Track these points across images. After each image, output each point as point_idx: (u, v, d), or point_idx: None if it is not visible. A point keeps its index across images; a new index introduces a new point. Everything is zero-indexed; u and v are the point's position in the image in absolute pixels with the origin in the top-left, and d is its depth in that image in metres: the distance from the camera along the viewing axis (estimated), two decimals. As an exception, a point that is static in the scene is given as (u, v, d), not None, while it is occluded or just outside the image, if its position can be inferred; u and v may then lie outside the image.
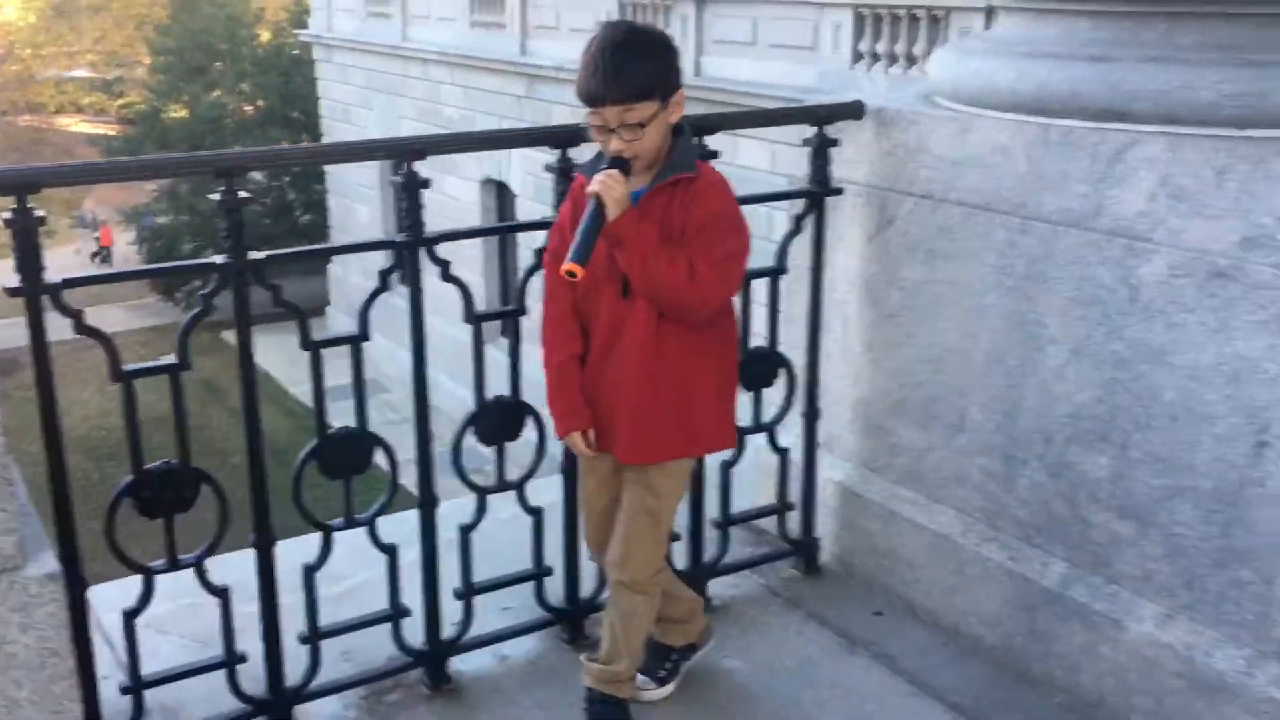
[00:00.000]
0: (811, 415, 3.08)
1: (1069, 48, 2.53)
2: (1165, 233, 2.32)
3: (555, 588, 2.83)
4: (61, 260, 27.01)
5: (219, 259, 2.21)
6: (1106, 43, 2.48)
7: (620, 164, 2.22)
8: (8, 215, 2.00)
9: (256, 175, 27.33)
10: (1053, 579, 2.63)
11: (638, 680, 2.56)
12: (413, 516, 2.61)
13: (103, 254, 31.44)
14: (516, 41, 17.82)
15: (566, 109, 15.07)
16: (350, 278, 21.98)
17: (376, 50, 21.49)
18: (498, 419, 2.63)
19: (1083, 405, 2.52)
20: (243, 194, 2.16)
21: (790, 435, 3.12)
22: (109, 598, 2.49)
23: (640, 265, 2.22)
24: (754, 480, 3.29)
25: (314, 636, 2.50)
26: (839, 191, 2.95)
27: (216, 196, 2.15)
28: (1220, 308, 2.25)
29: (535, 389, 2.48)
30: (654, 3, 15.31)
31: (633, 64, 2.20)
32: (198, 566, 2.34)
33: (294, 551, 2.49)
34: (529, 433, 2.70)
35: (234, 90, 29.49)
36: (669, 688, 2.62)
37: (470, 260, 17.00)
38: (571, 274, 2.14)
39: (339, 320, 22.06)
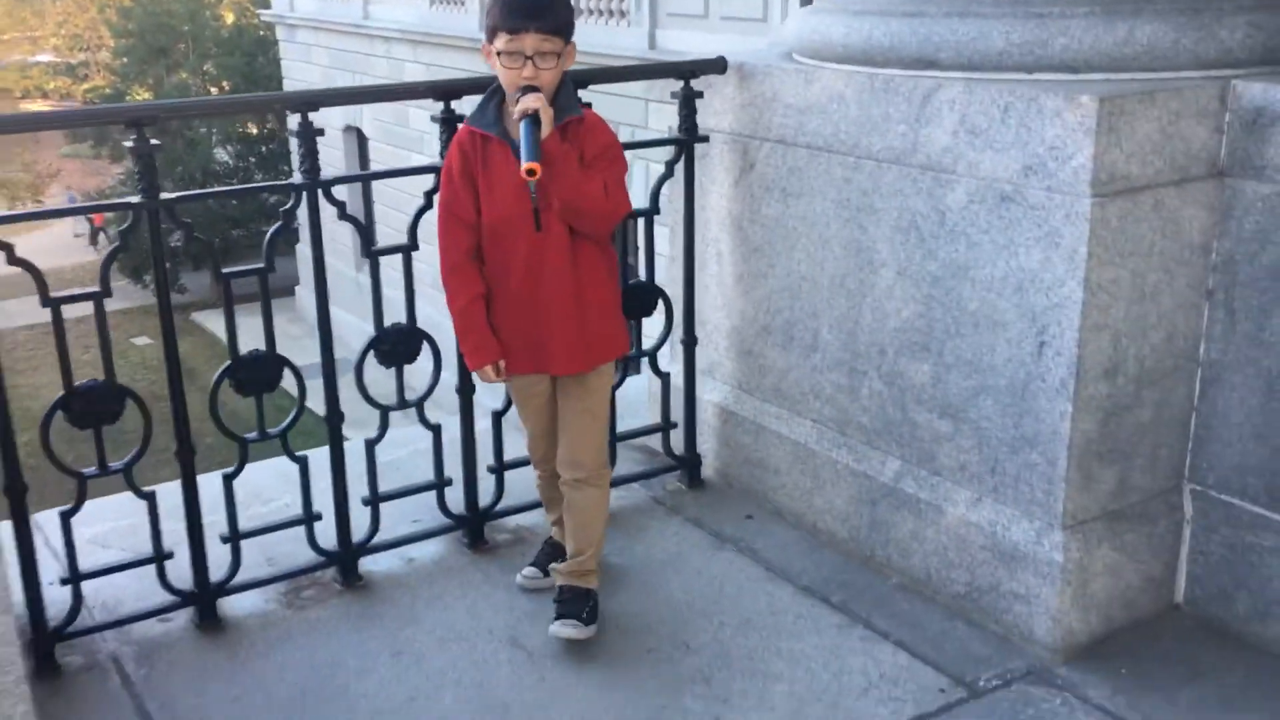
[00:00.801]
0: (690, 343, 3.42)
1: (889, 5, 2.88)
2: (965, 165, 2.67)
3: (456, 498, 3.16)
4: (61, 240, 27.27)
5: (135, 199, 2.53)
6: (920, 1, 2.82)
7: (533, 91, 2.53)
8: (134, 139, 2.35)
9: (222, 156, 27.48)
10: (889, 475, 2.99)
11: (569, 625, 2.69)
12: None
13: (96, 233, 31.56)
14: (476, 18, 18.04)
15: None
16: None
17: (339, 29, 21.62)
18: (397, 343, 2.96)
19: (908, 320, 2.88)
20: (153, 141, 2.48)
21: (672, 363, 3.47)
22: (54, 519, 2.79)
23: (569, 179, 2.54)
24: (643, 404, 3.65)
25: (234, 537, 2.83)
26: (705, 139, 3.28)
27: (129, 143, 2.48)
28: (1006, 227, 2.60)
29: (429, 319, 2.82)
30: (608, -24, 15.55)
31: (554, 2, 2.56)
32: (127, 471, 2.67)
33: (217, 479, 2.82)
34: (425, 360, 3.03)
35: (198, 72, 29.57)
36: (593, 628, 2.72)
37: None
38: (531, 172, 2.44)
39: (306, 299, 22.29)
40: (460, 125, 2.75)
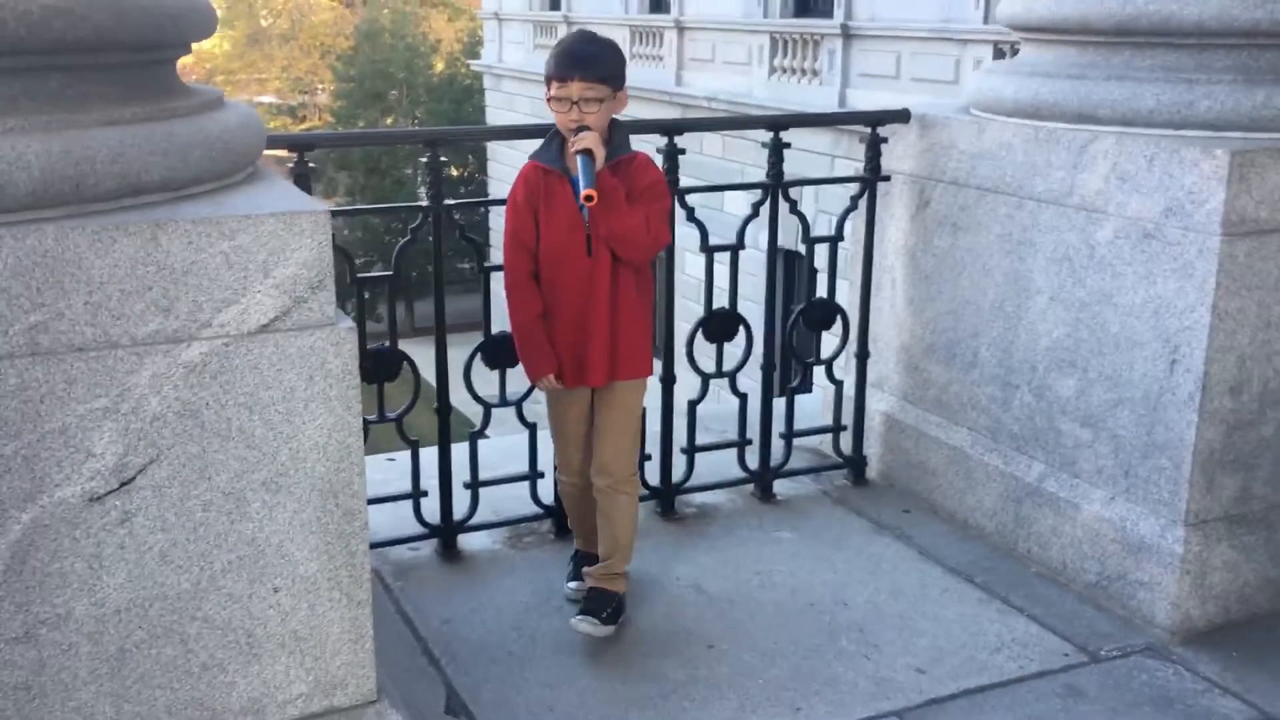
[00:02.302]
0: (863, 356, 3.90)
1: (1055, 68, 3.33)
2: (1114, 206, 3.09)
3: (652, 472, 3.70)
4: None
5: (424, 202, 3.19)
6: (1084, 65, 3.27)
7: (586, 130, 2.80)
8: (292, 165, 3.01)
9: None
10: (1034, 476, 3.40)
11: (588, 622, 2.93)
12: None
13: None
14: (672, 73, 18.92)
15: (717, 137, 16.08)
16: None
17: (541, 80, 22.87)
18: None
19: (1058, 340, 3.30)
20: (442, 158, 3.14)
21: (845, 373, 3.95)
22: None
23: (616, 212, 2.81)
24: (817, 409, 4.13)
25: (475, 484, 3.45)
26: (887, 179, 3.78)
27: (425, 159, 3.14)
28: (1147, 260, 3.01)
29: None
30: (804, 37, 16.18)
31: (597, 54, 2.85)
32: (399, 421, 3.30)
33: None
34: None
35: (409, 116, 31.52)
36: (611, 627, 2.97)
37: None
38: (589, 198, 2.72)
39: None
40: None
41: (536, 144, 3.01)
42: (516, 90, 24.27)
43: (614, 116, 2.91)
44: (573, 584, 3.20)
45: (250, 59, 52.92)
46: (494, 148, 25.08)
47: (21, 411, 1.87)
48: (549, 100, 2.88)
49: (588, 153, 2.78)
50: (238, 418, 2.01)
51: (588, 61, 2.83)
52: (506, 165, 22.82)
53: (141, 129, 2.01)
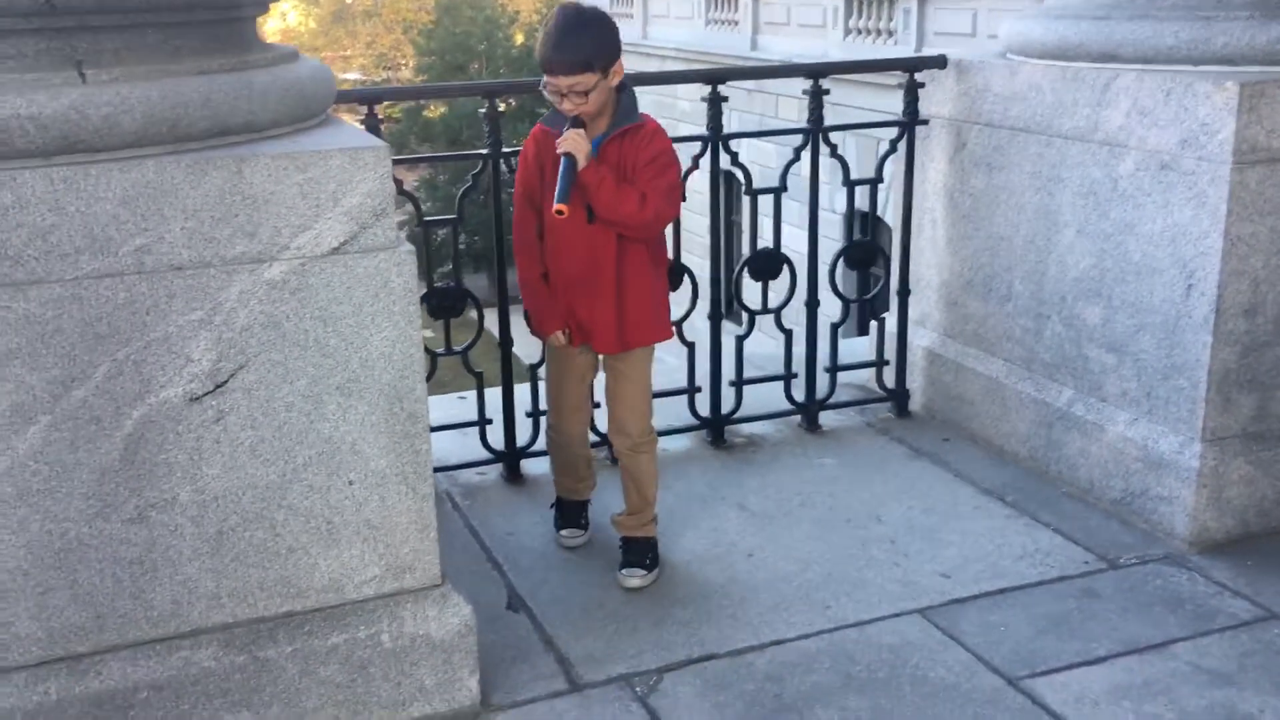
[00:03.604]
0: (904, 293, 4.09)
1: (1081, 10, 3.48)
2: (1135, 140, 3.24)
3: (703, 404, 3.94)
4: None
5: (484, 150, 3.47)
6: (1108, 6, 3.41)
7: (578, 122, 2.81)
8: (361, 118, 3.29)
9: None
10: (1064, 402, 3.57)
11: (636, 575, 3.06)
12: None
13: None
14: (747, 38, 18.95)
15: (793, 100, 16.15)
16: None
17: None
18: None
19: (1085, 270, 3.46)
20: (499, 106, 3.41)
21: (890, 310, 4.14)
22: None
23: (603, 202, 2.82)
24: (860, 344, 4.33)
25: (535, 413, 3.72)
26: (925, 122, 3.95)
27: (483, 110, 3.41)
28: (1165, 190, 3.16)
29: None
30: (877, -2, 16.13)
31: (575, 43, 2.74)
32: (464, 353, 3.59)
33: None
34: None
35: (490, 88, 31.88)
36: (656, 571, 3.10)
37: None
38: (560, 212, 2.73)
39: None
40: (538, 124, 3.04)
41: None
42: (594, 59, 24.46)
43: (622, 79, 2.87)
44: (565, 531, 3.29)
45: (335, 36, 53.75)
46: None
47: (130, 322, 2.18)
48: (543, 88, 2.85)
49: (570, 157, 2.77)
50: (314, 329, 2.30)
51: (566, 53, 2.75)
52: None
53: (227, 78, 2.29)
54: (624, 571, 3.09)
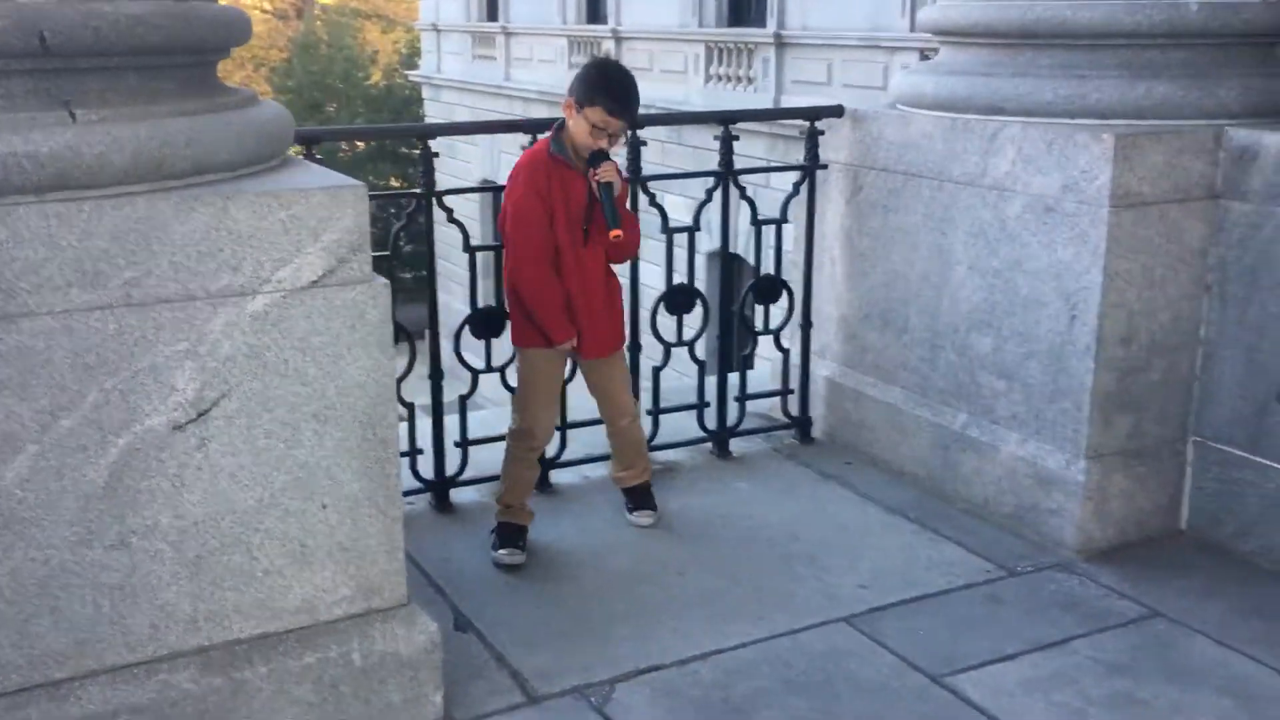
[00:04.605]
0: (807, 326, 4.36)
1: (969, 67, 3.81)
2: (1020, 185, 3.57)
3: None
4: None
5: (418, 190, 3.59)
6: (992, 64, 3.76)
7: (603, 155, 3.28)
8: (304, 155, 3.39)
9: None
10: (959, 425, 3.87)
11: (647, 515, 3.70)
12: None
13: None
14: (610, 81, 19.39)
15: (657, 144, 16.55)
16: (454, 305, 23.62)
17: (481, 90, 23.26)
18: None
19: (976, 304, 3.77)
20: (434, 147, 3.55)
21: (791, 342, 4.40)
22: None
23: (636, 233, 3.44)
24: (766, 375, 4.58)
25: (464, 443, 3.84)
26: (825, 167, 4.24)
27: (418, 151, 3.55)
28: (1049, 230, 3.49)
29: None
30: (738, 46, 16.73)
31: (639, 98, 3.33)
32: (397, 385, 3.68)
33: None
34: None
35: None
36: (658, 511, 3.73)
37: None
38: (618, 236, 3.26)
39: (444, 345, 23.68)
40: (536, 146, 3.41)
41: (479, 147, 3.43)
42: (456, 100, 24.60)
43: None
44: (504, 550, 3.43)
45: (182, 72, 51.92)
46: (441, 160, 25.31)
47: (118, 353, 2.25)
48: (577, 113, 3.24)
49: (608, 185, 3.24)
50: (293, 359, 2.40)
51: (638, 107, 3.34)
52: (449, 175, 23.10)
53: (206, 119, 2.39)
54: (636, 514, 3.71)
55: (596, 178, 3.25)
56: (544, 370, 3.51)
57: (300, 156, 3.00)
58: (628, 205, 3.69)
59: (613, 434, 3.75)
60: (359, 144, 31.49)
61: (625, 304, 3.65)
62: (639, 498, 3.75)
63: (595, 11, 20.79)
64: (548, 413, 3.60)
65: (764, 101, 16.09)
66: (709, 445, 4.29)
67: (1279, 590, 3.32)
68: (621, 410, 3.69)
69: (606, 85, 3.27)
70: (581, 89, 3.27)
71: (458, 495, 3.87)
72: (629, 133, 3.45)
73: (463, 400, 3.83)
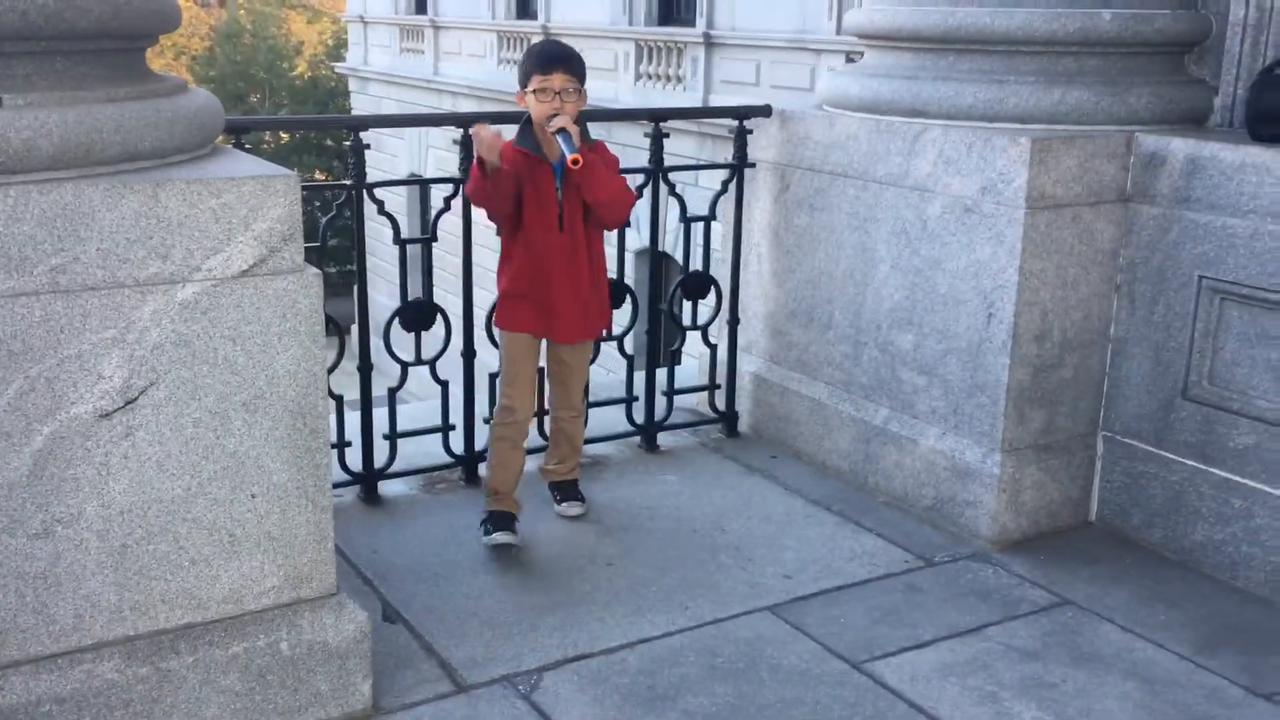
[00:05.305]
0: (734, 323, 4.43)
1: (892, 70, 3.91)
2: (941, 186, 3.67)
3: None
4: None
5: (348, 181, 3.59)
6: (915, 68, 3.85)
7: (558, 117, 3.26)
8: (233, 144, 3.36)
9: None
10: (880, 420, 3.96)
11: (576, 505, 3.75)
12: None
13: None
14: (540, 78, 19.37)
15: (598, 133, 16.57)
16: (378, 299, 23.40)
17: (409, 83, 23.07)
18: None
19: (898, 301, 3.87)
20: (365, 140, 3.55)
21: (719, 338, 4.47)
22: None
23: (598, 178, 3.32)
24: (693, 370, 4.64)
25: (393, 435, 3.84)
26: (753, 165, 4.31)
27: (349, 142, 3.54)
28: (968, 231, 3.59)
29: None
30: (668, 45, 16.81)
31: (575, 54, 3.40)
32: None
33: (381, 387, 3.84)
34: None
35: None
36: (586, 504, 3.78)
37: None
38: (576, 161, 3.17)
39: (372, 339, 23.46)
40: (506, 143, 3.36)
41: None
42: (383, 93, 24.36)
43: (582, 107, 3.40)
44: (499, 533, 3.48)
45: (100, 59, 50.73)
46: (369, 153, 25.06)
47: (44, 340, 2.23)
48: (527, 96, 3.34)
49: (565, 131, 3.23)
50: (223, 348, 2.40)
51: (569, 58, 3.35)
52: (374, 168, 22.87)
53: (135, 105, 2.38)
54: (564, 505, 3.75)
55: (551, 129, 3.26)
56: (517, 353, 3.55)
57: (230, 146, 2.98)
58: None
59: (555, 427, 3.79)
60: (283, 135, 31.17)
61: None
62: (567, 489, 3.80)
63: (525, 7, 20.73)
64: (529, 392, 3.64)
65: (693, 100, 16.19)
66: (637, 439, 4.34)
67: (1181, 579, 3.46)
68: (571, 405, 3.73)
69: (532, 54, 3.39)
70: (519, 73, 3.43)
71: (386, 488, 3.87)
72: (581, 91, 3.36)
73: (391, 393, 3.83)
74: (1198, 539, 3.52)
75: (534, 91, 3.33)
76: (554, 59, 3.35)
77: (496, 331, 3.63)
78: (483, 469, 3.98)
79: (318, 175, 29.13)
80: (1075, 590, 3.37)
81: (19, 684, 2.31)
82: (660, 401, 4.36)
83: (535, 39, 19.48)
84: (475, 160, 3.35)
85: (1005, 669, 2.97)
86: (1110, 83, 3.64)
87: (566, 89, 3.32)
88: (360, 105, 25.73)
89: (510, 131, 3.47)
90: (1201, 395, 3.48)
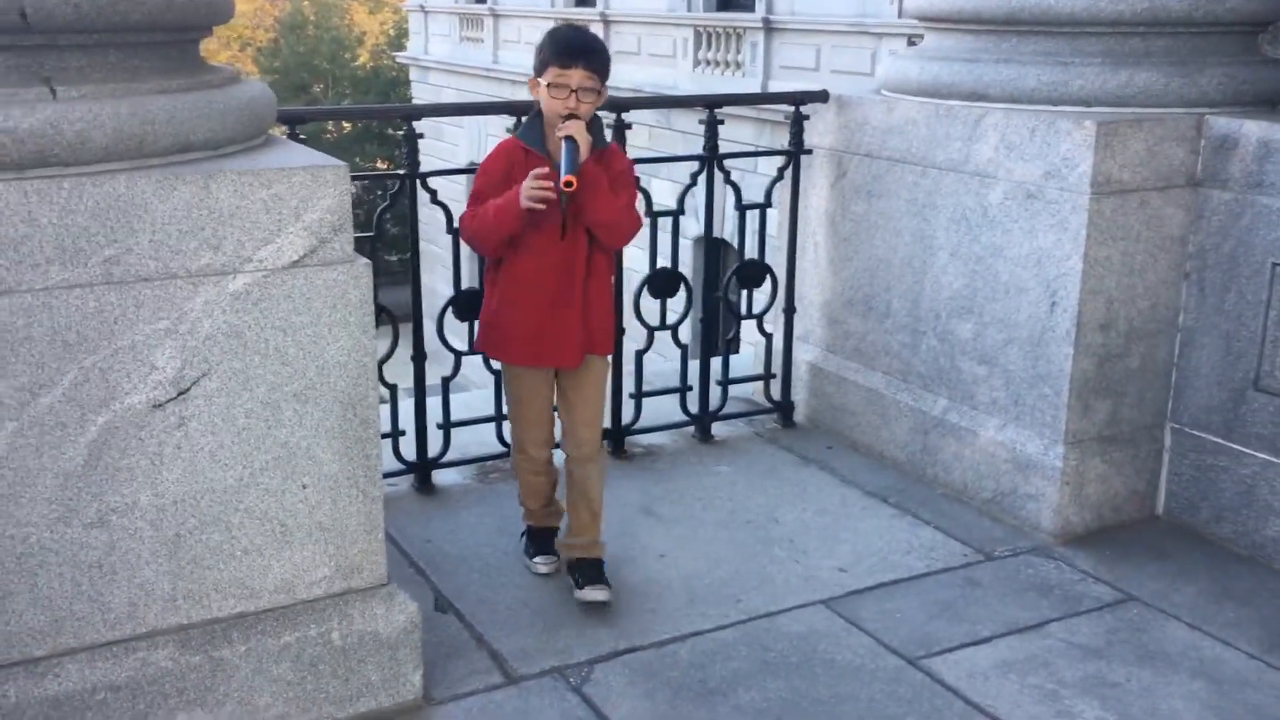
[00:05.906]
0: (790, 311, 4.37)
1: (953, 53, 3.82)
2: (1003, 171, 3.58)
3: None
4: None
5: (402, 171, 3.59)
6: (976, 49, 3.76)
7: (573, 119, 2.89)
8: (288, 135, 3.38)
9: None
10: (939, 410, 3.89)
11: (599, 590, 3.10)
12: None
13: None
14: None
15: (645, 128, 16.52)
16: (437, 287, 23.59)
17: (468, 72, 23.16)
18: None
19: (958, 290, 3.79)
20: (419, 129, 3.54)
21: (775, 326, 4.42)
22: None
23: (604, 198, 2.95)
24: (749, 360, 4.60)
25: (446, 425, 3.84)
26: (809, 152, 4.25)
27: (402, 131, 3.54)
28: (1030, 217, 3.51)
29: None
30: (727, 30, 16.69)
31: (599, 48, 2.99)
32: (379, 367, 3.68)
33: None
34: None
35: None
36: (611, 589, 3.14)
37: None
38: (569, 184, 2.80)
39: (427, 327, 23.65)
40: (508, 137, 3.17)
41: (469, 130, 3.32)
42: (443, 82, 24.49)
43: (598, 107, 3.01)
44: (539, 559, 3.29)
45: (168, 51, 51.58)
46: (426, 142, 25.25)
47: (98, 330, 2.24)
48: (540, 87, 2.97)
49: (572, 140, 2.86)
50: (274, 339, 2.40)
51: (591, 52, 2.95)
52: (435, 157, 23.03)
53: (188, 96, 2.39)
54: (585, 590, 3.10)
55: (559, 134, 2.91)
56: (521, 383, 3.19)
57: (284, 136, 2.99)
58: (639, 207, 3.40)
59: (567, 480, 3.23)
60: (345, 125, 31.49)
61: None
62: (589, 571, 3.16)
63: (584, -6, 20.72)
64: (536, 429, 3.23)
65: (752, 86, 16.06)
66: (691, 429, 4.30)
67: (1252, 575, 3.36)
68: (579, 441, 3.17)
69: (552, 42, 2.98)
70: (535, 61, 3.03)
71: (440, 477, 3.87)
72: (601, 89, 2.97)
73: (445, 382, 3.83)
74: (1269, 534, 3.41)
75: (550, 85, 2.95)
76: (575, 51, 2.94)
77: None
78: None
79: (380, 164, 29.41)
80: (1140, 586, 3.29)
81: (74, 671, 2.34)
82: (715, 391, 4.32)
83: (595, 26, 19.45)
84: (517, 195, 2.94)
85: (1067, 667, 2.90)
86: (1180, 63, 3.53)
87: (585, 86, 2.93)
88: (421, 94, 25.89)
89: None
90: (1274, 386, 3.36)
